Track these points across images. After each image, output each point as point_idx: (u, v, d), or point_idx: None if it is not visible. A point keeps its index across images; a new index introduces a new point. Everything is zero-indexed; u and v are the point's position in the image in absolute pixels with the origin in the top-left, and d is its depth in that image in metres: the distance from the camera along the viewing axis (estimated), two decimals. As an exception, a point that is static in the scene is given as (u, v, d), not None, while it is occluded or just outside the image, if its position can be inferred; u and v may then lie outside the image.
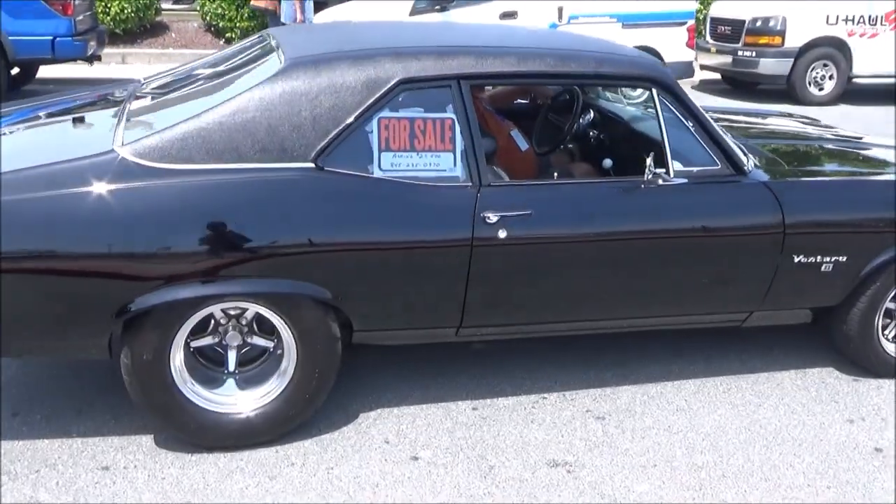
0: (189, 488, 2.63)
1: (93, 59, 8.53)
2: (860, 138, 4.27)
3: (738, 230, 3.08)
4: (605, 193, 3.04)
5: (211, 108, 2.65)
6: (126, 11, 10.70)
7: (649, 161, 2.87)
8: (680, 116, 3.02)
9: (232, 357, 2.85)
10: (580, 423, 3.10)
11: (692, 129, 3.03)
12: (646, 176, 2.91)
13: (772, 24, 10.08)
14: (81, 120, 3.09)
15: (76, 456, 2.77)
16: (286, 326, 2.73)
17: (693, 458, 2.91)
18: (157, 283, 2.54)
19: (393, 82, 2.73)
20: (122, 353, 2.63)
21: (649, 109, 3.73)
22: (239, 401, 2.79)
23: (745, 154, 3.21)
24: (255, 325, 2.85)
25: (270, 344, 2.87)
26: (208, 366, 2.83)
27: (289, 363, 2.77)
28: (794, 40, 9.90)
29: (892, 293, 3.39)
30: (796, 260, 3.14)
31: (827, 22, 9.90)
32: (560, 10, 9.73)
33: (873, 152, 3.97)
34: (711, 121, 3.12)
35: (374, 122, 2.74)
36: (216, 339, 2.82)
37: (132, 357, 2.62)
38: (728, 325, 3.34)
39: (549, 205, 2.88)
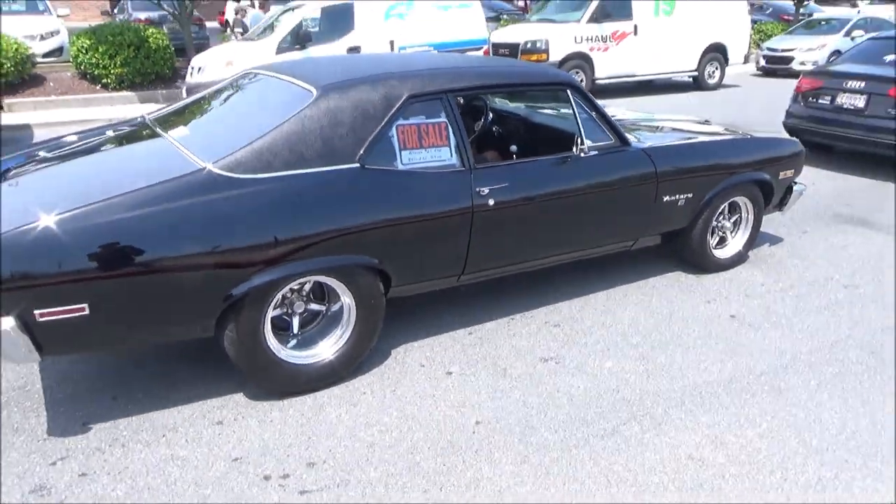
0: (296, 424, 2.84)
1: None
2: (707, 121, 5.23)
3: (631, 181, 3.70)
4: (552, 165, 3.50)
5: (274, 128, 2.81)
6: (6, 66, 9.92)
7: (577, 139, 3.57)
8: (586, 108, 3.72)
9: (296, 322, 3.10)
10: (545, 331, 3.71)
11: (594, 117, 3.73)
12: (575, 151, 3.61)
13: (539, 44, 11.60)
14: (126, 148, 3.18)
15: (189, 419, 2.87)
16: (347, 290, 3.04)
17: (628, 339, 3.61)
18: (254, 269, 2.70)
19: (404, 97, 3.05)
20: (227, 329, 2.82)
21: (542, 109, 4.46)
22: (321, 350, 3.04)
23: (628, 133, 3.84)
24: (311, 295, 3.18)
25: (323, 308, 3.20)
26: (281, 331, 3.01)
27: (349, 317, 3.03)
28: (555, 55, 11.45)
29: (719, 214, 4.29)
30: (665, 199, 3.94)
31: (575, 41, 11.64)
32: (392, 42, 10.40)
33: (711, 127, 4.73)
34: (606, 111, 3.88)
35: (394, 128, 3.04)
36: (284, 310, 3.10)
37: (237, 331, 2.77)
38: (621, 250, 4.16)
39: (519, 177, 3.33)
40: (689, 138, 4.23)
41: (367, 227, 2.96)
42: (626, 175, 3.74)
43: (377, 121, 3.02)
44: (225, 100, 3.54)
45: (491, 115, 4.19)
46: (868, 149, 6.75)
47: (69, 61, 11.49)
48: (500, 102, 4.52)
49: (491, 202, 3.24)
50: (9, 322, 2.38)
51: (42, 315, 2.43)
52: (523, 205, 3.37)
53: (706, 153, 4.09)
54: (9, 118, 9.26)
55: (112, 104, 10.95)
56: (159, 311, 2.68)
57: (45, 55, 12.08)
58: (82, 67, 11.03)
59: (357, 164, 2.96)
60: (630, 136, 3.84)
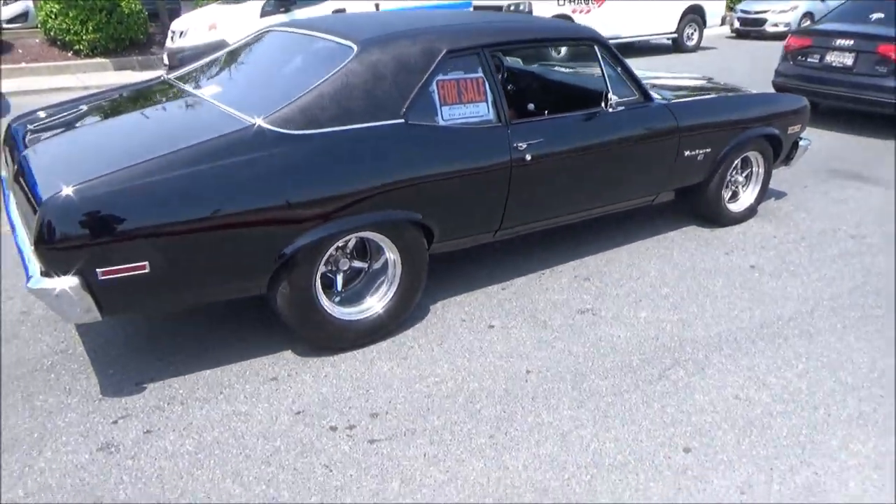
0: (350, 378, 2.86)
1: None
2: (711, 78, 5.28)
3: (656, 136, 3.75)
4: (583, 121, 3.53)
5: (319, 84, 2.77)
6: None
7: (609, 95, 3.61)
8: (612, 64, 3.75)
9: (340, 279, 3.14)
10: (576, 284, 3.80)
11: (620, 73, 3.77)
12: (603, 107, 3.65)
13: (521, 6, 11.62)
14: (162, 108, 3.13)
15: (243, 376, 2.87)
16: (393, 246, 3.07)
17: (658, 291, 3.73)
18: (307, 225, 2.69)
19: (443, 53, 3.03)
20: (280, 286, 2.81)
21: (570, 66, 4.48)
22: (370, 305, 3.06)
23: (651, 89, 3.90)
24: (354, 253, 3.19)
25: (365, 265, 3.22)
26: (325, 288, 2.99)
27: (395, 273, 3.05)
28: (537, 17, 11.63)
29: (732, 169, 4.40)
30: (686, 154, 4.04)
31: (558, 4, 11.59)
32: (377, 6, 10.26)
33: (718, 84, 4.83)
34: (631, 67, 3.92)
35: (434, 83, 3.04)
36: (329, 267, 3.08)
37: (290, 288, 2.79)
38: (642, 205, 4.24)
39: (553, 132, 3.36)
40: (705, 94, 4.28)
41: (412, 183, 2.97)
42: (651, 130, 3.80)
43: (419, 75, 3.01)
44: (251, 58, 3.47)
45: (521, 71, 4.20)
46: (857, 106, 6.92)
47: (36, 27, 11.06)
48: (527, 60, 4.52)
49: (528, 157, 3.27)
50: (72, 281, 2.35)
51: (104, 273, 2.40)
52: (557, 160, 3.41)
53: (724, 108, 4.17)
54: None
55: (85, 71, 10.61)
56: (216, 269, 2.67)
57: (10, 21, 11.61)
58: (52, 34, 10.65)
59: (402, 120, 2.95)
60: (654, 93, 3.88)
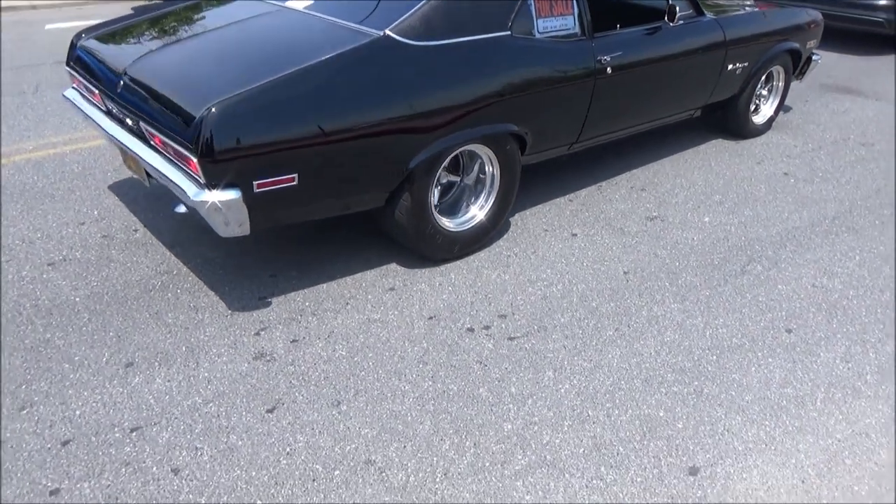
0: (464, 285, 3.01)
1: None
2: None
3: (708, 48, 3.93)
4: (653, 34, 3.66)
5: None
6: None
7: (677, 10, 3.74)
8: None
9: (436, 193, 3.26)
10: (635, 194, 4.02)
11: None
12: (667, 20, 3.80)
13: None
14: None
15: (362, 287, 2.98)
16: (494, 157, 3.19)
17: (710, 198, 4.01)
18: (433, 136, 2.76)
19: None
20: (401, 198, 2.89)
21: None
22: (475, 214, 3.18)
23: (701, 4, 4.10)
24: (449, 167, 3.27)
25: (458, 179, 3.33)
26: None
27: (494, 182, 3.17)
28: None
29: (761, 83, 4.69)
30: (729, 67, 4.30)
31: None
32: None
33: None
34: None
35: None
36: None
37: (411, 200, 2.87)
38: (687, 118, 4.47)
39: (629, 45, 3.48)
40: (737, 10, 4.45)
41: (515, 95, 3.06)
42: (705, 43, 3.98)
43: (521, -14, 3.06)
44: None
45: None
46: (849, 25, 7.23)
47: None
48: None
49: (609, 70, 3.41)
50: (233, 193, 2.38)
51: (259, 186, 2.44)
52: (631, 72, 3.56)
53: (762, 23, 4.39)
54: None
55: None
56: (352, 182, 2.73)
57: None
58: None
59: (508, 32, 3.02)
60: (704, 9, 4.05)
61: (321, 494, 2.03)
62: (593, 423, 2.32)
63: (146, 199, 3.72)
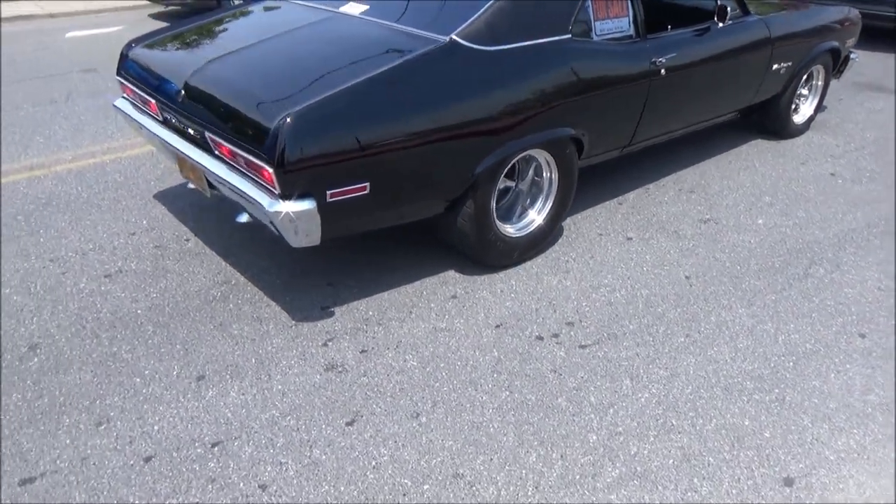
0: (526, 292, 2.97)
1: None
2: None
3: (755, 47, 3.90)
4: (704, 34, 3.61)
5: (491, 1, 2.79)
6: None
7: (728, 10, 3.70)
8: None
9: (494, 199, 3.22)
10: (684, 196, 3.96)
11: None
12: (716, 20, 3.75)
13: None
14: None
15: (423, 296, 2.94)
16: (553, 161, 3.15)
17: (761, 199, 3.97)
18: (496, 143, 2.73)
19: None
20: (465, 205, 2.85)
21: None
22: (534, 218, 3.15)
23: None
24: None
25: (513, 184, 3.29)
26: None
27: (552, 186, 3.13)
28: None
29: (802, 82, 4.64)
30: (773, 67, 4.26)
31: None
32: None
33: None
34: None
35: (591, 1, 3.11)
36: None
37: (474, 207, 2.82)
38: (730, 119, 4.42)
39: (681, 46, 3.43)
40: (780, 10, 4.41)
41: (576, 98, 3.03)
42: (753, 42, 3.95)
43: (581, -10, 3.03)
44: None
45: None
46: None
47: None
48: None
49: (663, 71, 3.37)
50: (309, 204, 2.34)
51: (332, 195, 2.40)
52: (684, 73, 3.52)
53: (805, 22, 4.35)
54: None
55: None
56: (421, 188, 2.70)
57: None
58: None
59: (568, 35, 2.99)
60: (750, 8, 4.01)
61: (414, 510, 1.99)
62: (679, 432, 2.28)
63: (193, 208, 3.69)
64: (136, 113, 3.18)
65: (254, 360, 2.57)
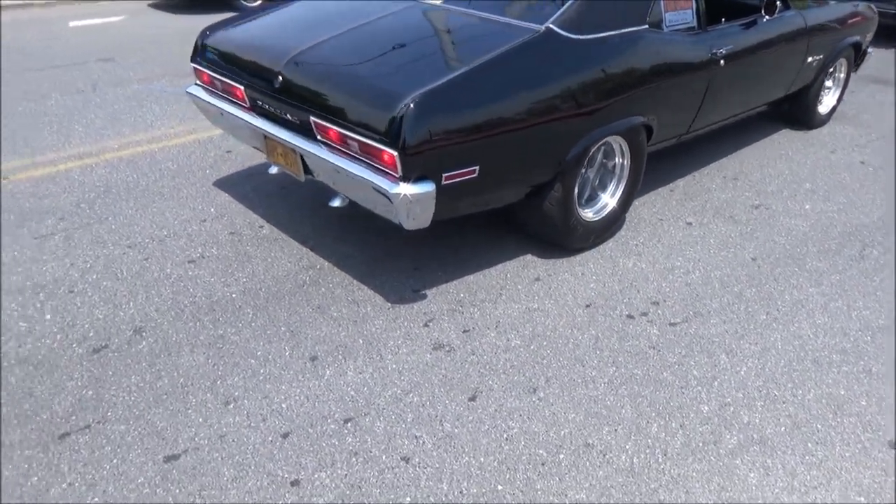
0: (605, 274, 3.07)
1: None
2: None
3: (796, 39, 4.07)
4: (754, 26, 3.73)
5: None
6: None
7: (777, 4, 3.84)
8: None
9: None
10: (730, 184, 4.09)
11: None
12: (771, 16, 3.89)
13: None
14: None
15: (507, 279, 3.02)
16: (626, 147, 3.25)
17: (802, 186, 4.12)
18: (587, 127, 2.82)
19: None
20: (553, 189, 2.94)
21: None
22: (608, 202, 3.25)
23: None
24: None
25: (583, 169, 3.38)
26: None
27: (624, 170, 3.24)
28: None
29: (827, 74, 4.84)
30: (808, 59, 4.45)
31: None
32: None
33: None
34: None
35: None
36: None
37: (563, 190, 2.94)
38: (762, 110, 4.60)
39: (736, 37, 3.57)
40: (814, 4, 4.57)
41: (651, 86, 3.12)
42: (794, 35, 4.10)
43: (655, -18, 3.13)
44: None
45: None
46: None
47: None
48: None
49: (722, 62, 3.50)
50: (429, 186, 2.40)
51: (447, 178, 2.46)
52: (738, 64, 3.65)
53: (834, 16, 4.52)
54: None
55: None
56: (520, 172, 2.77)
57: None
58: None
59: (645, 26, 3.09)
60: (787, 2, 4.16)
61: (556, 478, 2.07)
62: (783, 402, 2.40)
63: (257, 194, 3.71)
64: (215, 99, 3.19)
65: (361, 341, 2.63)
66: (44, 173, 3.94)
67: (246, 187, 3.79)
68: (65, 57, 6.45)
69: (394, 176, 2.39)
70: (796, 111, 4.87)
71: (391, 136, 2.33)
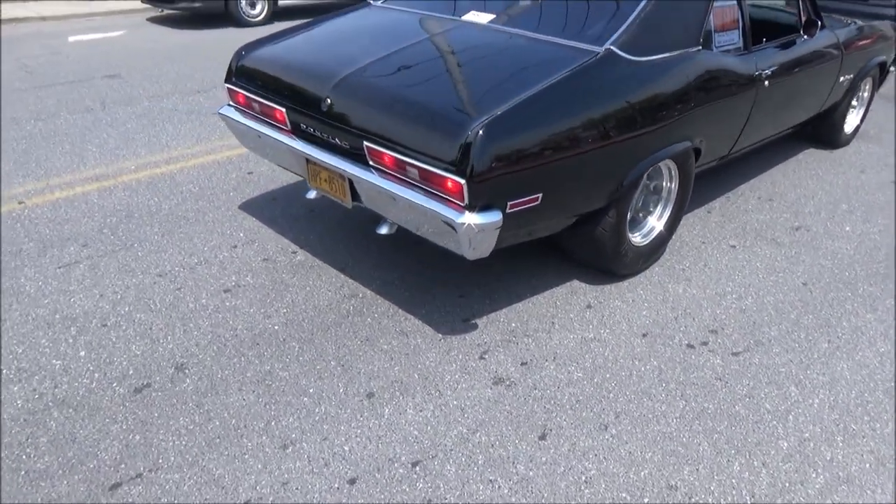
0: (657, 301, 2.99)
1: None
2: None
3: (831, 59, 4.04)
4: (795, 47, 3.71)
5: (640, 9, 2.78)
6: None
7: (818, 25, 3.81)
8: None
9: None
10: (765, 205, 4.00)
11: (808, 6, 4.02)
12: (811, 37, 3.85)
13: None
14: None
15: (557, 306, 2.92)
16: (676, 171, 3.17)
17: (838, 206, 4.03)
18: (646, 151, 2.75)
19: None
20: (607, 214, 2.83)
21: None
22: (655, 225, 3.17)
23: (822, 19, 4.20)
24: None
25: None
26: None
27: (671, 193, 3.17)
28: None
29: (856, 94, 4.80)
30: (840, 78, 4.43)
31: None
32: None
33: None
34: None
35: (712, 11, 3.17)
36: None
37: (616, 215, 2.83)
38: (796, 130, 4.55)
39: (777, 58, 3.56)
40: (842, 24, 4.56)
41: (702, 107, 3.06)
42: (829, 55, 4.07)
43: (707, 2, 3.07)
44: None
45: None
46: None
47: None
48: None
49: (766, 82, 3.45)
50: (496, 215, 2.30)
51: (511, 206, 2.37)
52: (780, 85, 3.60)
53: (862, 36, 4.50)
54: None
55: None
56: (579, 199, 2.69)
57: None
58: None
59: (699, 47, 3.02)
60: (822, 23, 4.14)
61: (644, 524, 1.96)
62: (863, 436, 2.32)
63: (286, 219, 3.59)
64: (251, 121, 3.08)
65: (416, 376, 2.51)
66: (60, 196, 3.79)
67: (274, 211, 3.67)
68: (69, 73, 6.30)
69: (459, 205, 2.29)
70: (822, 130, 4.84)
71: (457, 163, 2.23)
